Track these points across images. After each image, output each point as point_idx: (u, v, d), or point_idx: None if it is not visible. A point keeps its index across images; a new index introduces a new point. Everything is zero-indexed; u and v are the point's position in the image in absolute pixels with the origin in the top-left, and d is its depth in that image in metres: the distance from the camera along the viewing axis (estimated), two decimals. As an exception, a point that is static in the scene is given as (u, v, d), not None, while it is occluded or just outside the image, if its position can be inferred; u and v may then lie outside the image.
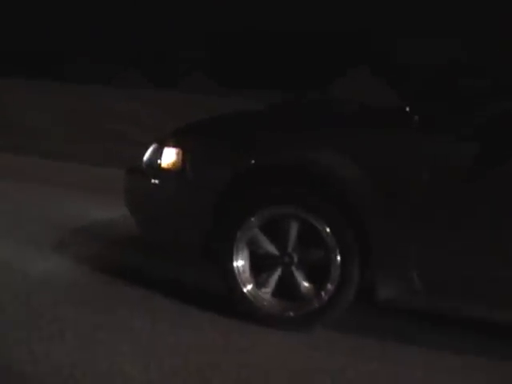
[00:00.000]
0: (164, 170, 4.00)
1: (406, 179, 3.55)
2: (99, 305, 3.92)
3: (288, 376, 3.30)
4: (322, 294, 3.69)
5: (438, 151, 3.52)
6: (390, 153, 3.61)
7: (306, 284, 3.74)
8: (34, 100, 11.08)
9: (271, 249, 3.77)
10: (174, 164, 3.96)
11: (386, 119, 4.00)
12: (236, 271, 3.79)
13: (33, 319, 3.67)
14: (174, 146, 3.99)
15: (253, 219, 3.76)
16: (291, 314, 3.76)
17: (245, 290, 3.79)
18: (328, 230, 3.65)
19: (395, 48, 12.65)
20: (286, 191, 3.74)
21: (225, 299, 3.87)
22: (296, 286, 3.74)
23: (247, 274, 3.81)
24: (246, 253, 3.80)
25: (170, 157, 3.98)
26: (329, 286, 3.67)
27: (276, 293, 3.79)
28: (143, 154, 4.21)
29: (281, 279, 3.77)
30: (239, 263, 3.80)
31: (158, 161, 4.03)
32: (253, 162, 3.78)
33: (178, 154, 3.95)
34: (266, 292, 3.79)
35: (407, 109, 4.21)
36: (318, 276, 3.71)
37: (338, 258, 3.64)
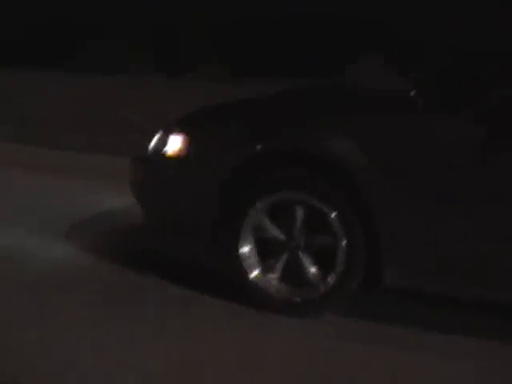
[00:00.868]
0: (170, 157, 4.01)
1: (412, 164, 3.54)
2: (105, 294, 3.95)
3: (290, 361, 3.31)
4: (329, 279, 3.70)
5: (444, 135, 3.51)
6: (396, 137, 3.60)
7: (312, 269, 3.74)
8: (44, 90, 11.10)
9: (278, 234, 3.78)
10: (179, 151, 3.96)
11: (391, 104, 3.98)
12: (242, 257, 3.79)
13: (37, 309, 3.70)
14: (179, 134, 3.99)
15: (259, 205, 3.76)
16: (298, 299, 3.77)
17: (251, 276, 3.80)
18: (334, 215, 3.65)
19: (408, 34, 12.59)
20: (294, 177, 3.74)
21: (233, 285, 3.88)
22: (303, 271, 3.75)
23: (254, 259, 3.81)
24: (252, 238, 3.80)
25: (175, 144, 3.98)
26: (335, 271, 3.67)
27: (283, 278, 3.79)
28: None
29: (287, 265, 3.77)
30: (246, 249, 3.80)
31: (164, 148, 4.03)
32: (259, 147, 3.77)
33: (183, 141, 3.95)
34: (273, 277, 3.80)
35: (412, 93, 4.20)
36: (324, 261, 3.72)
37: (345, 243, 3.64)
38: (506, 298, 3.57)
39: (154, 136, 4.21)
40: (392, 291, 3.70)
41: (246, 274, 3.81)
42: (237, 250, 3.80)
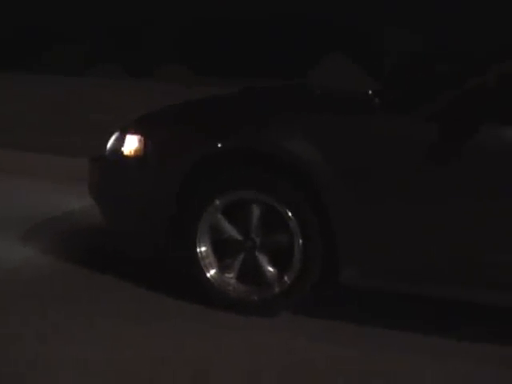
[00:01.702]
0: (127, 157, 3.99)
1: (367, 161, 3.56)
2: (66, 295, 3.92)
3: (249, 362, 3.32)
4: (285, 278, 3.70)
5: (398, 132, 3.53)
6: (351, 135, 3.61)
7: (269, 268, 3.74)
8: (12, 91, 11.01)
9: (234, 233, 3.78)
10: (136, 151, 3.95)
11: (347, 102, 4.01)
12: (199, 256, 3.79)
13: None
14: (136, 134, 3.98)
15: (215, 204, 3.76)
16: (255, 298, 3.77)
17: (208, 275, 3.80)
18: (290, 213, 3.65)
19: (372, 34, 12.67)
20: (249, 176, 3.75)
21: (191, 284, 3.87)
22: (259, 270, 3.75)
23: (211, 258, 3.81)
24: (209, 238, 3.80)
25: (132, 144, 3.96)
26: (292, 271, 3.68)
27: (240, 277, 3.80)
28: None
29: (244, 264, 3.78)
30: (202, 248, 3.80)
31: (121, 148, 4.01)
32: (215, 147, 3.76)
33: (140, 141, 3.94)
34: (230, 277, 3.80)
35: (370, 92, 4.23)
36: (281, 261, 3.73)
37: (301, 241, 3.65)
38: (465, 295, 3.57)
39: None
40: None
41: (203, 272, 3.80)
42: (194, 250, 3.79)
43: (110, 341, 3.42)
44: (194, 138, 3.86)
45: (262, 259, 3.74)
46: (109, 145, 4.15)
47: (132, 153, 3.96)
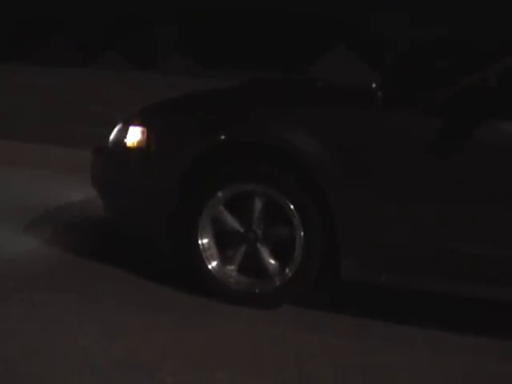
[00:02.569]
0: (129, 149, 4.00)
1: (369, 155, 3.56)
2: (68, 286, 3.93)
3: (251, 353, 3.33)
4: (287, 270, 3.72)
5: (400, 126, 3.54)
6: (353, 129, 3.62)
7: (271, 261, 3.75)
8: (12, 83, 11.00)
9: (236, 225, 3.79)
10: (139, 143, 3.95)
11: (350, 95, 4.01)
12: (201, 248, 3.80)
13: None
14: (138, 125, 3.98)
15: (218, 196, 3.77)
16: (257, 290, 3.78)
17: (210, 267, 3.81)
18: (292, 206, 3.66)
19: (370, 24, 12.67)
20: (251, 168, 3.75)
21: (191, 277, 3.88)
22: (261, 262, 3.76)
23: (212, 250, 3.82)
24: (210, 230, 3.81)
25: (135, 136, 3.97)
26: (293, 263, 3.69)
27: (241, 270, 3.81)
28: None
29: (246, 256, 3.79)
30: (204, 240, 3.81)
31: (124, 140, 4.02)
32: (217, 139, 3.76)
33: (143, 132, 3.94)
34: (232, 269, 3.81)
35: (373, 85, 4.23)
36: (283, 253, 3.74)
37: (302, 234, 3.65)
38: (465, 290, 3.58)
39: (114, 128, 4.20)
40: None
41: (205, 264, 3.81)
42: (196, 241, 3.80)
43: (113, 331, 3.42)
44: (197, 130, 3.85)
45: (264, 252, 3.75)
46: (112, 136, 4.16)
47: (135, 144, 3.97)
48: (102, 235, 4.81)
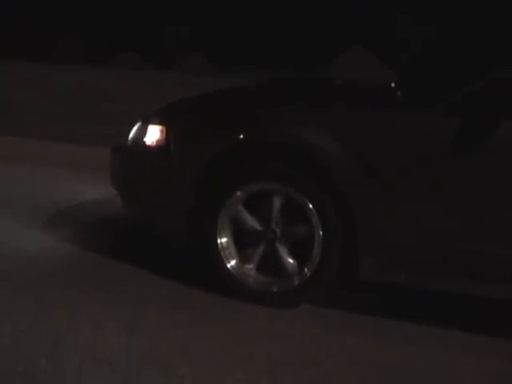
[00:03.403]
0: (148, 147, 4.01)
1: (388, 154, 3.55)
2: (85, 284, 3.94)
3: (269, 351, 3.33)
4: (305, 270, 3.71)
5: (420, 126, 3.53)
6: (372, 128, 3.60)
7: (289, 260, 3.75)
8: (30, 82, 11.07)
9: (255, 224, 3.79)
10: (158, 141, 3.96)
11: (369, 95, 4.00)
12: (220, 247, 3.80)
13: (18, 298, 3.69)
14: (158, 124, 3.99)
15: (237, 195, 3.77)
16: (275, 289, 3.78)
17: (229, 266, 3.81)
18: (311, 206, 3.66)
19: (392, 25, 12.63)
20: (270, 167, 3.74)
21: (210, 276, 3.89)
22: (280, 261, 3.76)
23: (231, 249, 3.82)
24: (229, 228, 3.81)
25: (154, 134, 3.98)
26: (312, 263, 3.69)
27: (260, 268, 3.81)
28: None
29: (265, 255, 3.79)
30: (223, 239, 3.81)
31: (143, 138, 4.03)
32: (236, 138, 3.77)
33: (162, 131, 3.95)
34: (250, 268, 3.81)
35: (392, 84, 4.23)
36: (301, 252, 3.74)
37: (321, 234, 3.65)
38: (484, 290, 3.56)
39: (133, 127, 4.21)
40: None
41: (223, 263, 3.81)
42: (215, 240, 3.81)
43: (129, 329, 3.43)
44: (217, 129, 3.86)
45: (283, 251, 3.75)
46: (131, 135, 4.17)
47: (154, 143, 3.97)
48: (120, 234, 4.82)
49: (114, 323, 3.48)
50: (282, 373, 3.14)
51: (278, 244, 3.75)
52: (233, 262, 3.82)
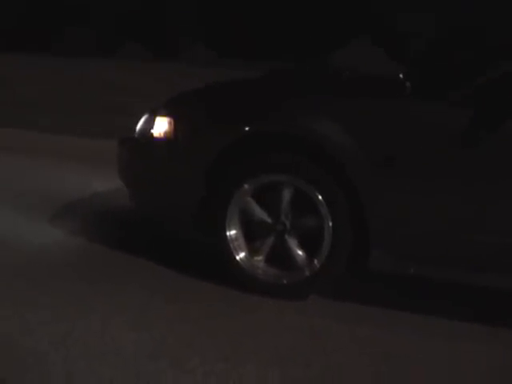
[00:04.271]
0: (156, 139, 3.99)
1: (399, 146, 3.54)
2: (95, 276, 3.93)
3: (279, 343, 3.32)
4: (315, 261, 3.70)
5: (430, 117, 3.51)
6: (383, 120, 3.59)
7: (299, 252, 3.74)
8: (33, 74, 11.06)
9: (264, 216, 3.78)
10: (166, 133, 3.95)
11: (379, 86, 3.98)
12: (229, 239, 3.80)
13: (28, 290, 3.69)
14: (166, 116, 3.98)
15: (245, 187, 3.76)
16: (284, 281, 3.77)
17: (238, 258, 3.80)
18: (320, 197, 3.64)
19: (396, 18, 12.57)
20: (280, 159, 3.73)
21: (219, 268, 3.88)
22: (289, 253, 3.75)
23: (240, 241, 3.82)
24: (238, 220, 3.80)
25: (162, 126, 3.96)
26: (321, 254, 3.68)
27: (269, 260, 3.80)
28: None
29: (274, 247, 3.78)
30: (232, 231, 3.81)
31: (151, 130, 4.02)
32: (246, 130, 3.76)
33: (170, 123, 3.94)
34: (260, 260, 3.80)
35: (401, 76, 4.21)
36: (311, 244, 3.73)
37: (331, 225, 3.64)
38: (495, 281, 3.55)
39: (140, 118, 4.20)
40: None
41: (232, 255, 3.81)
42: (224, 232, 3.80)
43: (139, 322, 3.43)
44: (225, 121, 3.84)
45: (292, 242, 3.74)
46: (138, 126, 4.16)
47: (162, 135, 3.96)
48: (128, 226, 4.82)
49: (123, 315, 3.48)
50: (292, 364, 3.13)
51: (287, 236, 3.74)
52: (242, 254, 3.81)
